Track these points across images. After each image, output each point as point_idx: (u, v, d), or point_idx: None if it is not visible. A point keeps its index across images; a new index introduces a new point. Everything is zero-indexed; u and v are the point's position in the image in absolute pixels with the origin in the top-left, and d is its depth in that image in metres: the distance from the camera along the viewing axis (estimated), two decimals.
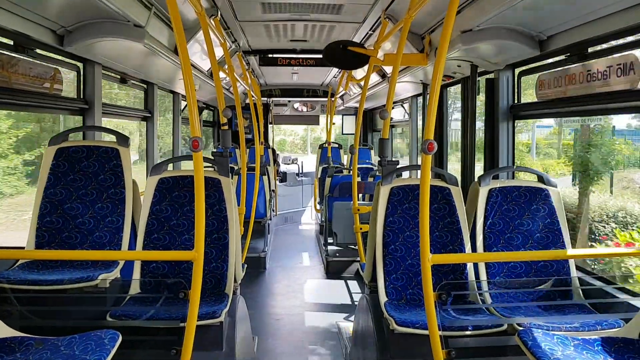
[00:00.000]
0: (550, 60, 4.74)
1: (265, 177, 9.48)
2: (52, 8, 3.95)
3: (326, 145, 12.18)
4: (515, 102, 5.28)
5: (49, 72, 4.68)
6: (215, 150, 10.85)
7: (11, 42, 4.13)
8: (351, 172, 9.79)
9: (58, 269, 3.79)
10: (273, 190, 11.34)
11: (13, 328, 2.77)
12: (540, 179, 4.25)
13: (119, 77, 5.99)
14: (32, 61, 4.41)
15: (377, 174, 8.56)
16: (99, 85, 5.21)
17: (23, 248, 4.09)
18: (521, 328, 3.13)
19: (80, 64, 5.09)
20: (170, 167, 4.41)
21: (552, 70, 4.70)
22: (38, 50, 4.44)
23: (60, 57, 4.76)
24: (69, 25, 4.30)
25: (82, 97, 5.12)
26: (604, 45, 4.06)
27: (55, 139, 4.25)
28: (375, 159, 13.17)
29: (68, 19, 4.22)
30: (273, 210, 11.50)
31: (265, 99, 13.59)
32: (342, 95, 12.08)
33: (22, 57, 4.24)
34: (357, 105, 13.36)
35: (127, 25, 4.42)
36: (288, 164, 15.52)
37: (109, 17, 4.28)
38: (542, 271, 4.00)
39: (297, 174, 14.79)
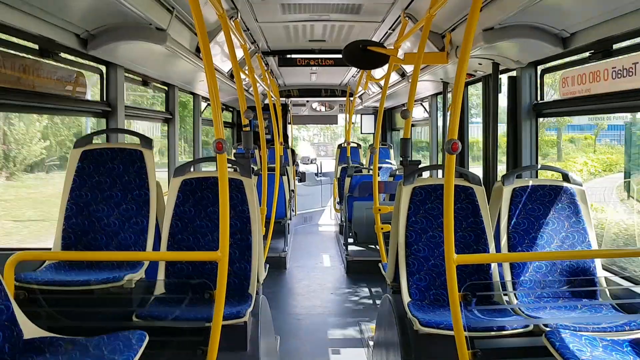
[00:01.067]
0: (573, 58, 4.68)
1: (284, 178, 9.51)
2: (76, 12, 4.00)
3: (345, 145, 12.17)
4: (538, 100, 5.22)
5: (73, 75, 4.75)
6: (235, 151, 10.91)
7: (36, 47, 4.20)
8: (370, 171, 9.78)
9: (84, 270, 3.84)
10: (292, 191, 11.37)
11: (42, 328, 2.81)
12: (565, 177, 4.19)
13: (140, 79, 6.05)
14: (56, 65, 4.47)
15: (397, 173, 8.53)
16: (122, 87, 5.28)
17: (50, 249, 4.15)
18: (548, 329, 3.09)
19: (103, 67, 5.16)
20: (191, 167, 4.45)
21: (576, 67, 4.64)
22: (62, 54, 4.50)
23: (83, 61, 4.83)
24: (93, 29, 4.35)
25: (105, 99, 5.18)
26: (630, 42, 4.00)
27: (80, 141, 4.31)
28: (393, 158, 13.14)
29: (91, 23, 4.28)
30: (293, 211, 11.52)
31: (284, 99, 13.62)
32: (361, 94, 12.06)
33: (46, 61, 4.31)
34: (375, 104, 13.33)
35: (150, 28, 4.46)
36: (307, 163, 15.54)
37: (132, 21, 4.33)
38: (567, 271, 3.95)
39: (316, 174, 14.79)
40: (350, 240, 8.91)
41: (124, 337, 2.66)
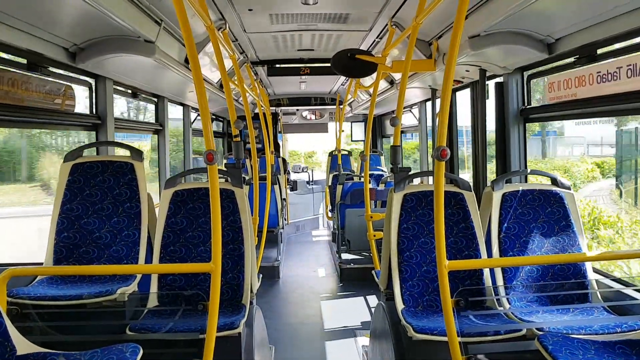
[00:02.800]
0: (559, 63, 4.74)
1: (276, 187, 9.51)
2: (64, 26, 4.01)
3: (336, 152, 12.20)
4: (526, 105, 5.28)
5: (62, 89, 4.74)
6: (226, 161, 10.90)
7: (24, 61, 4.20)
8: (362, 179, 9.81)
9: (76, 284, 3.83)
10: (284, 199, 11.37)
11: (35, 344, 2.80)
12: (554, 181, 4.23)
13: (130, 91, 6.05)
14: (45, 79, 4.47)
15: (388, 180, 8.56)
16: (111, 100, 5.28)
17: (42, 264, 4.13)
18: (540, 332, 3.12)
19: (92, 80, 5.16)
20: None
21: (562, 72, 4.70)
22: (50, 68, 4.50)
23: (72, 74, 4.83)
24: (81, 43, 4.36)
25: (94, 112, 5.18)
26: (613, 47, 4.06)
27: (70, 155, 4.30)
28: (384, 164, 13.18)
29: (80, 36, 4.28)
30: (285, 219, 11.51)
31: (274, 108, 13.65)
32: (351, 102, 12.11)
33: (35, 75, 4.30)
34: (365, 112, 13.39)
35: (138, 40, 4.47)
36: (298, 172, 15.54)
37: (120, 34, 4.34)
38: (559, 274, 3.98)
39: (308, 182, 14.80)
40: (343, 247, 8.91)
41: (117, 350, 2.65)
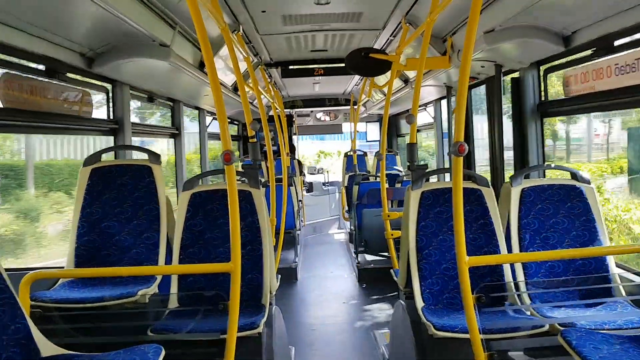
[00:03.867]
0: (576, 56, 4.69)
1: (292, 188, 9.52)
2: (81, 32, 4.06)
3: (351, 153, 12.18)
4: (543, 99, 5.23)
5: (79, 94, 4.80)
6: (242, 163, 10.95)
7: (42, 67, 4.26)
8: (378, 178, 9.78)
9: (98, 286, 3.86)
10: (300, 201, 11.38)
11: (58, 346, 2.83)
12: (574, 176, 4.18)
13: (146, 96, 6.10)
14: (63, 85, 4.52)
15: (405, 179, 8.53)
16: (128, 104, 5.33)
17: (63, 267, 4.18)
18: (563, 328, 3.08)
19: (109, 85, 5.21)
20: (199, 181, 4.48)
21: (579, 65, 4.64)
22: (68, 74, 4.56)
23: (89, 80, 4.88)
24: (97, 48, 4.41)
25: (112, 117, 5.23)
26: (631, 38, 4.00)
27: (89, 159, 4.35)
28: (400, 164, 13.14)
29: (96, 42, 4.33)
30: (302, 221, 11.53)
31: (288, 110, 13.67)
32: (365, 102, 12.09)
33: (53, 81, 4.36)
34: (380, 112, 13.36)
35: (153, 44, 4.51)
36: (314, 173, 15.55)
37: (135, 38, 4.38)
38: (580, 269, 3.93)
39: (324, 184, 14.80)
40: (361, 248, 8.89)
41: (140, 351, 2.67)
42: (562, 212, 4.07)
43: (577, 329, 2.87)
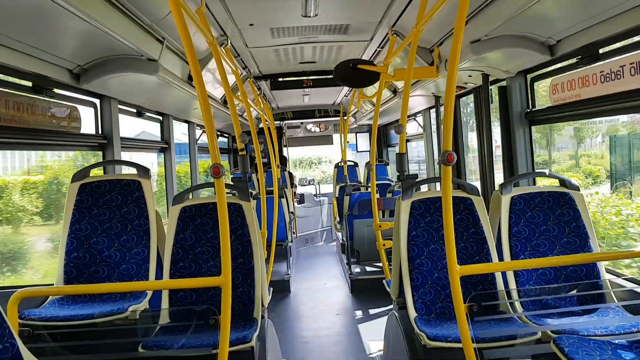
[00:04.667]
0: (561, 64, 4.74)
1: (283, 200, 9.50)
2: (68, 48, 4.04)
3: (342, 164, 12.19)
4: (530, 108, 5.27)
5: (67, 110, 4.78)
6: (232, 176, 10.92)
7: (29, 84, 4.23)
8: (368, 189, 9.79)
9: (87, 303, 3.82)
10: (292, 213, 11.35)
11: None
12: (563, 183, 4.21)
13: (135, 110, 6.09)
14: (50, 100, 4.50)
15: (396, 189, 8.55)
16: (117, 119, 5.31)
17: (52, 285, 4.13)
18: (556, 335, 3.08)
19: (97, 100, 5.19)
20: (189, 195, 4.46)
21: (565, 73, 4.69)
22: (55, 90, 4.54)
23: (77, 95, 4.86)
24: (85, 64, 4.40)
25: (100, 132, 5.21)
26: (615, 45, 4.05)
27: (77, 175, 4.32)
28: (391, 174, 13.16)
29: (83, 57, 4.32)
30: (293, 233, 11.50)
31: (278, 122, 13.68)
32: (355, 113, 12.13)
33: (40, 97, 4.34)
34: (369, 122, 13.40)
35: (141, 59, 4.50)
36: (305, 185, 15.53)
37: (123, 53, 4.37)
38: (571, 276, 3.94)
39: (315, 195, 14.79)
40: (353, 259, 8.88)
41: None
42: (552, 219, 4.09)
43: (570, 336, 2.87)
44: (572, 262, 3.91)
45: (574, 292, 3.90)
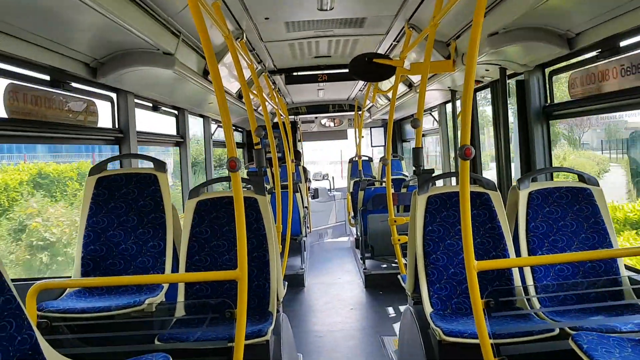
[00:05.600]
0: (580, 58, 4.67)
1: (298, 195, 9.51)
2: (85, 42, 4.06)
3: (356, 158, 12.16)
4: (548, 102, 5.20)
5: (84, 103, 4.80)
6: (247, 170, 10.93)
7: (47, 78, 4.26)
8: (383, 184, 9.75)
9: (104, 296, 3.86)
10: (306, 207, 11.36)
11: (66, 356, 2.81)
12: (581, 178, 4.15)
13: (150, 104, 6.11)
14: (67, 94, 4.53)
15: (410, 184, 8.51)
16: (133, 113, 5.33)
17: (70, 277, 4.17)
18: (574, 332, 3.05)
19: (113, 94, 5.22)
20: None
21: (584, 67, 4.62)
22: (72, 84, 4.57)
23: (94, 89, 4.89)
24: (102, 58, 4.42)
25: (117, 126, 5.24)
26: (637, 38, 3.98)
27: (94, 168, 4.35)
28: (405, 169, 13.11)
29: (100, 52, 4.34)
30: (307, 227, 11.51)
31: (293, 116, 13.67)
32: (369, 107, 12.08)
33: (57, 91, 4.37)
34: (384, 117, 13.35)
35: (157, 53, 4.51)
36: (319, 180, 15.53)
37: (140, 47, 4.38)
38: (590, 272, 3.89)
39: (329, 190, 14.78)
40: (367, 254, 8.86)
41: None
42: (570, 214, 4.03)
43: (588, 333, 2.83)
44: (591, 258, 3.85)
45: (593, 288, 3.85)
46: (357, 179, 11.04)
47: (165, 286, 3.92)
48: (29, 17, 3.32)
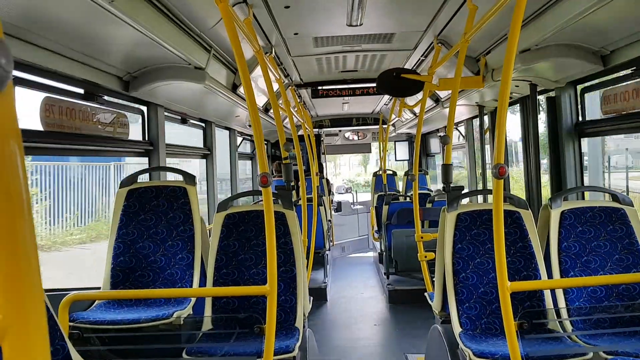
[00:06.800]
0: (614, 75, 4.60)
1: (322, 208, 9.50)
2: (118, 56, 4.14)
3: (380, 172, 12.12)
4: (580, 119, 5.13)
5: (115, 116, 4.88)
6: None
7: (81, 91, 4.35)
8: (408, 198, 9.69)
9: (133, 308, 3.88)
10: (330, 221, 11.34)
11: None
12: (615, 197, 4.07)
13: (179, 117, 6.19)
14: (99, 107, 4.61)
15: (436, 199, 8.44)
16: (162, 126, 5.40)
17: (99, 288, 4.22)
18: (609, 357, 2.97)
19: (144, 107, 5.30)
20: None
21: (618, 85, 4.55)
22: (105, 97, 4.65)
23: (125, 102, 4.97)
24: (134, 72, 4.49)
25: (146, 139, 5.31)
26: None
27: (126, 180, 4.41)
28: (430, 184, 13.01)
29: (133, 66, 4.41)
30: (331, 241, 11.48)
31: (317, 129, 13.70)
32: (394, 122, 12.06)
33: (90, 103, 4.44)
34: (409, 131, 13.30)
35: (189, 67, 4.58)
36: (342, 193, 15.51)
37: (172, 62, 4.45)
38: (624, 294, 3.80)
39: (352, 204, 14.74)
40: (391, 269, 8.79)
41: None
42: (604, 235, 3.95)
43: (624, 358, 2.76)
44: (627, 280, 3.76)
45: (627, 311, 3.75)
46: (382, 193, 11.00)
47: (193, 299, 3.94)
48: (64, 31, 3.39)
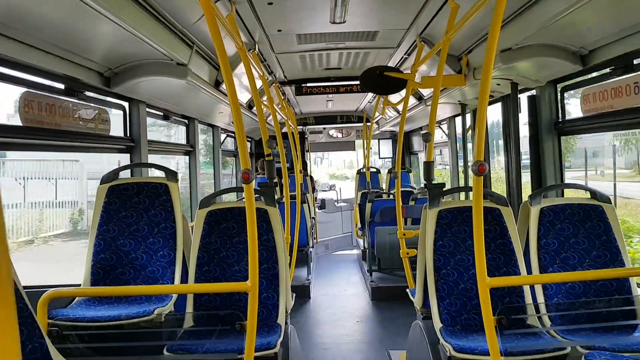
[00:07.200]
0: (593, 74, 4.67)
1: (305, 205, 9.50)
2: (100, 52, 4.10)
3: (364, 170, 12.15)
4: (560, 118, 5.19)
5: (96, 112, 4.84)
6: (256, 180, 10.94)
7: (62, 86, 4.30)
8: (391, 196, 9.74)
9: (113, 305, 3.85)
10: (313, 218, 11.35)
11: None
12: (593, 195, 4.13)
13: (162, 114, 6.15)
14: (80, 103, 4.56)
15: (419, 197, 8.49)
16: (144, 122, 5.36)
17: (79, 285, 4.18)
18: (586, 351, 3.02)
19: (125, 103, 5.25)
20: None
21: (597, 84, 4.62)
22: (86, 93, 4.60)
23: (107, 98, 4.92)
24: (115, 67, 4.45)
25: (128, 135, 5.26)
26: None
27: (106, 177, 4.37)
28: (413, 182, 13.08)
29: (114, 61, 4.37)
30: (314, 238, 11.48)
31: (301, 127, 13.69)
32: (378, 119, 12.09)
33: (71, 99, 4.40)
34: (392, 129, 13.34)
35: (171, 64, 4.54)
36: (326, 190, 15.52)
37: (154, 57, 4.41)
38: (601, 290, 3.86)
39: (336, 201, 14.76)
40: (374, 266, 8.83)
41: None
42: (582, 232, 4.01)
43: (602, 352, 2.81)
44: (605, 276, 3.82)
45: (605, 307, 3.82)
46: (365, 191, 11.03)
47: (175, 296, 3.92)
48: (45, 27, 3.35)
